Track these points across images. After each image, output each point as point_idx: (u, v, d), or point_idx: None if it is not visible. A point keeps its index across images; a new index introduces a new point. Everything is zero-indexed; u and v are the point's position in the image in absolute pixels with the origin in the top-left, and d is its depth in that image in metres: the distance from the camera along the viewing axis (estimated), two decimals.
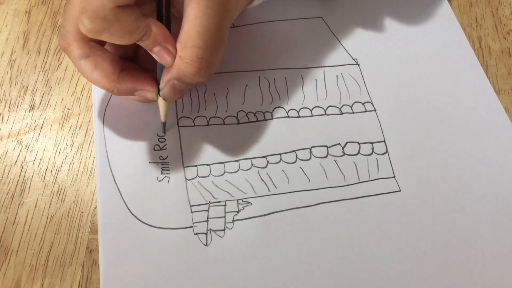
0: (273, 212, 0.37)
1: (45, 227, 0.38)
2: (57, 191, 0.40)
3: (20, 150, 0.42)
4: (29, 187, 0.40)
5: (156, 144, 0.39)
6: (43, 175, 0.41)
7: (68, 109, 0.43)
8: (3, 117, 0.44)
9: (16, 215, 0.39)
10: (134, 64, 0.39)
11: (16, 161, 0.42)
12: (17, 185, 0.40)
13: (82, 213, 0.39)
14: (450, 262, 0.35)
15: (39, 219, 0.38)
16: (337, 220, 0.37)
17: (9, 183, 0.40)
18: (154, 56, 0.35)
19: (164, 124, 0.39)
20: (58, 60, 0.47)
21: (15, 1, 0.49)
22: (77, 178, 0.41)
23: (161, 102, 0.38)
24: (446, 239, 0.37)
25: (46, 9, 0.49)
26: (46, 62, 0.46)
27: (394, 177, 0.39)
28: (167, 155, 0.39)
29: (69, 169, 0.41)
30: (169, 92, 0.35)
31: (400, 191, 0.39)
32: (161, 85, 0.36)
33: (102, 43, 0.38)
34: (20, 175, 0.41)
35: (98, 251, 0.37)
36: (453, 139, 0.42)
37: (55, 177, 0.41)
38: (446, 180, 0.40)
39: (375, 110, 0.43)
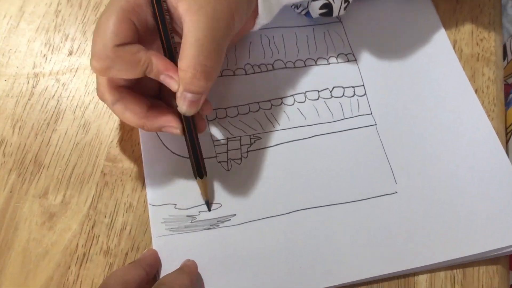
0: (278, 144, 0.41)
1: (71, 151, 0.39)
2: (83, 124, 0.41)
3: (58, 87, 0.42)
4: (62, 118, 0.41)
5: None
6: (74, 110, 0.41)
7: None
8: (46, 57, 0.43)
9: (50, 138, 0.40)
10: (160, 101, 0.38)
11: (54, 95, 0.41)
12: (52, 115, 0.41)
13: (101, 144, 0.40)
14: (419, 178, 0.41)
15: (67, 144, 0.40)
16: (327, 148, 0.41)
17: (46, 113, 0.40)
18: (165, 84, 0.33)
19: (207, 202, 0.38)
20: (96, 14, 0.45)
21: None
22: (100, 115, 0.41)
23: (199, 182, 0.37)
24: (413, 161, 0.41)
25: None
26: (85, 16, 0.45)
27: (371, 113, 0.43)
28: None
29: (94, 107, 0.41)
30: (184, 105, 0.34)
31: (376, 124, 0.43)
32: (176, 101, 0.34)
33: (130, 87, 0.36)
34: (55, 107, 0.41)
35: (110, 175, 0.39)
36: (420, 84, 0.45)
37: (83, 113, 0.41)
38: (414, 116, 0.43)
39: (355, 59, 0.45)
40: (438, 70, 0.45)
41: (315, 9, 0.43)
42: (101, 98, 0.36)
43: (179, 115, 0.35)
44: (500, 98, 0.45)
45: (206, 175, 0.37)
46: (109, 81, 0.35)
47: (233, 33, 0.35)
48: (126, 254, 0.37)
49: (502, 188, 0.40)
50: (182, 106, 0.34)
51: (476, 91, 0.45)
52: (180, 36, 0.34)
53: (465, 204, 0.39)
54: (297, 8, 0.45)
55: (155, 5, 0.33)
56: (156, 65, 0.33)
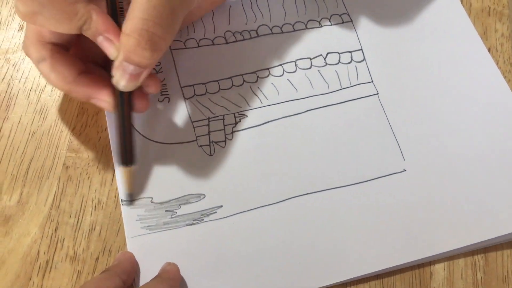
0: (267, 122, 0.36)
1: (26, 141, 0.34)
2: (40, 110, 0.35)
3: (8, 68, 0.36)
4: (14, 104, 0.35)
5: (153, 68, 0.35)
6: (28, 94, 0.36)
7: None
8: None
9: (1, 128, 0.34)
10: (102, 70, 0.32)
11: (3, 78, 0.36)
12: (3, 101, 0.35)
13: (62, 132, 0.35)
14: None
15: (21, 134, 0.34)
16: (324, 124, 0.36)
17: None
18: (102, 48, 0.27)
19: (130, 195, 0.32)
20: None
21: None
22: (59, 99, 0.36)
23: (123, 170, 0.32)
24: (422, 133, 0.37)
25: None
26: None
27: (372, 81, 0.38)
28: (164, 78, 0.36)
29: (52, 90, 0.36)
30: (122, 78, 0.28)
31: (378, 93, 0.37)
32: (113, 71, 0.28)
33: (64, 47, 0.30)
34: (6, 91, 0.35)
35: (74, 168, 0.33)
36: (425, 45, 0.40)
37: (39, 97, 0.36)
38: (419, 81, 0.38)
39: (351, 20, 0.40)
40: (445, 28, 0.39)
41: None
42: (26, 53, 0.30)
43: (114, 88, 0.29)
44: None
45: (134, 163, 0.32)
46: (38, 34, 0.29)
47: (193, 1, 0.30)
48: (97, 259, 0.32)
49: None
50: (120, 79, 0.28)
51: (489, 50, 0.40)
52: None
53: (484, 180, 0.35)
54: None
55: None
56: (96, 22, 0.27)
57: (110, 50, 0.28)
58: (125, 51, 0.27)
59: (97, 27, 0.27)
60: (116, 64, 0.28)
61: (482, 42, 0.39)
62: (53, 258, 0.32)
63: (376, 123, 0.36)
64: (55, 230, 0.32)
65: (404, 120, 0.36)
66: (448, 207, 0.33)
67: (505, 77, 0.38)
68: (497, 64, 0.38)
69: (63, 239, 0.32)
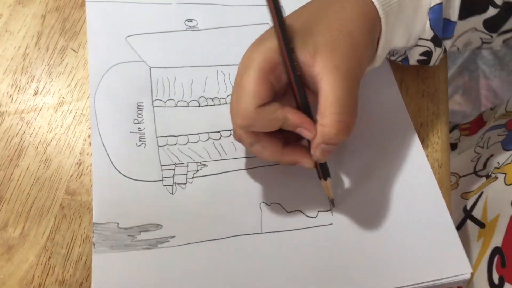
0: (223, 172, 0.43)
1: (32, 185, 0.41)
2: (45, 160, 0.42)
3: (22, 125, 0.44)
4: (25, 154, 0.42)
5: (135, 119, 0.44)
6: (37, 146, 0.43)
7: (63, 97, 0.46)
8: (12, 97, 0.45)
9: (12, 173, 0.41)
10: (288, 133, 0.39)
11: (18, 133, 0.43)
12: (15, 151, 0.42)
13: (61, 178, 0.41)
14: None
15: (28, 179, 0.41)
16: (271, 179, 0.43)
17: (10, 149, 0.42)
18: (301, 134, 0.37)
19: (332, 200, 0.41)
20: (61, 58, 0.48)
21: (35, 5, 0.50)
22: (61, 151, 0.43)
23: (323, 183, 0.40)
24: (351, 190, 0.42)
25: (58, 15, 0.50)
26: (51, 58, 0.48)
27: None
28: (144, 127, 0.44)
29: (56, 144, 0.43)
30: (320, 155, 0.37)
31: None
32: (312, 151, 0.37)
33: None
34: (19, 144, 0.43)
35: (68, 208, 0.40)
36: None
37: (45, 149, 0.43)
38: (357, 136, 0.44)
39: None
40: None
41: (415, 55, 0.44)
42: (238, 140, 0.39)
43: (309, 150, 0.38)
44: (444, 131, 0.47)
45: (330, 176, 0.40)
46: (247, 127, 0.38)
47: (361, 76, 0.38)
48: (81, 284, 0.38)
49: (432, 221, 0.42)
50: (318, 155, 0.38)
51: (421, 125, 0.47)
52: (312, 89, 0.37)
53: (397, 238, 0.41)
54: (393, 56, 0.46)
55: (290, 69, 0.36)
56: (293, 120, 0.36)
57: (308, 135, 0.37)
58: (325, 138, 0.36)
59: (294, 123, 0.36)
60: (314, 145, 0.37)
61: (415, 118, 0.47)
62: (45, 282, 0.38)
63: (311, 178, 0.43)
64: (49, 258, 0.39)
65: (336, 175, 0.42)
66: (365, 258, 0.40)
67: (432, 147, 0.46)
68: (427, 136, 0.47)
69: (55, 266, 0.39)
